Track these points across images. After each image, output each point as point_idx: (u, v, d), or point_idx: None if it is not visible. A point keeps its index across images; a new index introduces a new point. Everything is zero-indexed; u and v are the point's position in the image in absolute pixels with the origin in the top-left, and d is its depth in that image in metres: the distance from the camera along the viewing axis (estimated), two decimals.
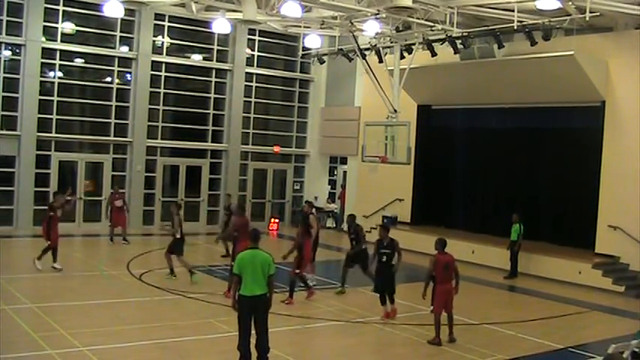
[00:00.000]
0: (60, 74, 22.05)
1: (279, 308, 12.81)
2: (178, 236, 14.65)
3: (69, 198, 15.27)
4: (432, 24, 17.32)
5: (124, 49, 23.03)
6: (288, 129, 27.43)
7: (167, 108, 24.13)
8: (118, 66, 22.99)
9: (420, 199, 22.84)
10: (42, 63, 21.34)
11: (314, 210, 16.09)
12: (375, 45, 19.76)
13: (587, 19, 14.84)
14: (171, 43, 24.17)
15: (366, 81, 21.71)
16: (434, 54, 18.65)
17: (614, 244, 17.24)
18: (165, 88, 23.89)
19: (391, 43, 19.46)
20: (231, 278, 12.28)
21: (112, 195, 20.60)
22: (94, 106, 22.80)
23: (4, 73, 20.91)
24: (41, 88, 21.42)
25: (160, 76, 23.72)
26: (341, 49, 20.99)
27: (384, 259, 12.54)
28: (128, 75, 23.30)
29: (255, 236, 8.97)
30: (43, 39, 21.34)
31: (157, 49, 23.68)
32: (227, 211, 18.98)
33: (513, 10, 16.22)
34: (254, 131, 26.22)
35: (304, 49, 23.69)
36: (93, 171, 22.83)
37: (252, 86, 25.92)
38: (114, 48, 22.84)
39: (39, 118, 21.33)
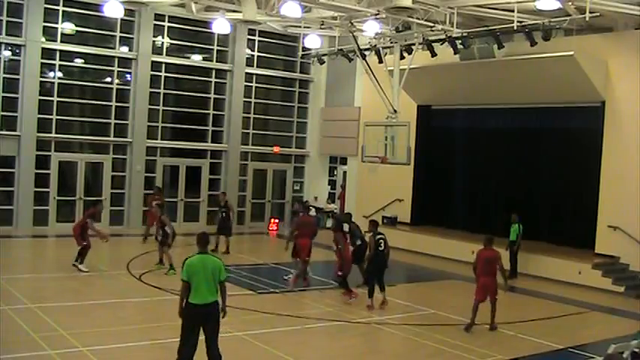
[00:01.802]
0: (60, 74, 22.04)
1: (278, 308, 12.84)
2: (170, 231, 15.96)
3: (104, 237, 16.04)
4: (431, 24, 17.31)
5: (124, 49, 23.02)
6: (288, 129, 27.42)
7: (167, 108, 24.13)
8: (118, 66, 22.97)
9: (420, 199, 22.82)
10: (42, 63, 21.33)
11: (312, 210, 16.29)
12: (375, 45, 19.75)
13: (587, 19, 14.83)
14: (171, 44, 24.16)
15: (365, 81, 21.71)
16: (434, 54, 18.64)
17: (614, 244, 17.23)
18: (165, 89, 23.87)
19: (391, 43, 19.45)
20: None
21: (151, 196, 20.97)
22: (93, 106, 22.80)
23: (4, 73, 20.89)
24: (41, 89, 21.41)
25: (160, 76, 23.72)
26: (341, 50, 20.97)
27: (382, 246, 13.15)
28: (128, 75, 23.28)
29: (202, 241, 8.39)
30: (43, 39, 21.33)
31: (156, 50, 23.68)
32: (224, 209, 19.05)
33: (513, 11, 16.22)
34: (254, 131, 26.21)
35: (304, 49, 23.68)
36: (93, 171, 22.83)
37: (251, 86, 25.91)
38: (114, 48, 22.83)
39: (39, 118, 21.32)
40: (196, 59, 24.93)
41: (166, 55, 23.94)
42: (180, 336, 8.22)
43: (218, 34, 23.92)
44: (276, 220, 25.75)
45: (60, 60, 21.85)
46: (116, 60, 22.91)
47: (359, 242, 14.75)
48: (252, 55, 25.93)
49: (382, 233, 13.42)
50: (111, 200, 22.84)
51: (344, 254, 13.99)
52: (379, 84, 18.60)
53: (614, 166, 17.35)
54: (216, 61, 24.98)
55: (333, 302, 13.72)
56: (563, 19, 15.80)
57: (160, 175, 24.03)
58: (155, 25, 23.29)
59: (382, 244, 13.18)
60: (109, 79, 23.03)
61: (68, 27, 22.05)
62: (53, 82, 21.82)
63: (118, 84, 23.05)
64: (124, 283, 14.46)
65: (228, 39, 24.69)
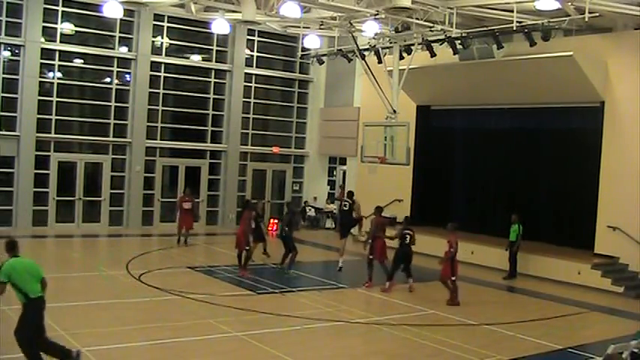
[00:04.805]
0: (59, 75, 22.04)
1: (277, 308, 12.84)
2: None
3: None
4: (431, 24, 17.31)
5: (123, 49, 23.03)
6: (288, 129, 27.43)
7: (166, 108, 24.14)
8: (117, 66, 22.98)
9: (419, 199, 22.80)
10: (41, 63, 21.33)
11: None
12: (375, 45, 19.73)
13: (587, 19, 14.82)
14: (171, 44, 24.17)
15: (365, 81, 21.71)
16: (433, 54, 18.62)
17: (614, 244, 17.22)
18: (164, 89, 23.88)
19: (390, 43, 19.43)
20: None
21: (181, 198, 21.13)
22: (93, 106, 22.81)
23: (4, 73, 20.89)
24: (40, 89, 21.42)
25: (159, 76, 23.72)
26: (340, 50, 20.95)
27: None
28: (127, 75, 23.29)
29: (12, 245, 8.67)
30: (43, 39, 21.33)
31: (156, 50, 23.68)
32: (260, 218, 18.71)
33: (512, 11, 16.21)
34: (253, 132, 26.22)
35: (303, 49, 23.66)
36: (92, 171, 22.83)
37: (251, 87, 25.92)
38: (113, 48, 22.84)
39: (38, 118, 21.32)
40: (195, 59, 24.94)
41: (166, 55, 23.94)
42: (32, 337, 8.78)
43: (217, 35, 23.92)
44: (276, 221, 25.71)
45: (59, 60, 21.86)
46: (115, 60, 22.92)
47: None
48: (252, 56, 25.94)
49: (410, 229, 15.49)
50: (110, 200, 22.84)
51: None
52: (378, 84, 18.59)
53: (613, 166, 17.35)
54: (216, 62, 24.99)
55: (332, 302, 13.73)
56: (562, 19, 15.79)
57: (159, 176, 24.05)
58: (154, 25, 23.30)
59: (407, 238, 15.29)
60: (108, 80, 23.03)
61: (67, 27, 22.06)
62: (52, 83, 21.82)
63: (117, 84, 23.05)
64: (124, 284, 14.45)
65: (227, 39, 24.70)
